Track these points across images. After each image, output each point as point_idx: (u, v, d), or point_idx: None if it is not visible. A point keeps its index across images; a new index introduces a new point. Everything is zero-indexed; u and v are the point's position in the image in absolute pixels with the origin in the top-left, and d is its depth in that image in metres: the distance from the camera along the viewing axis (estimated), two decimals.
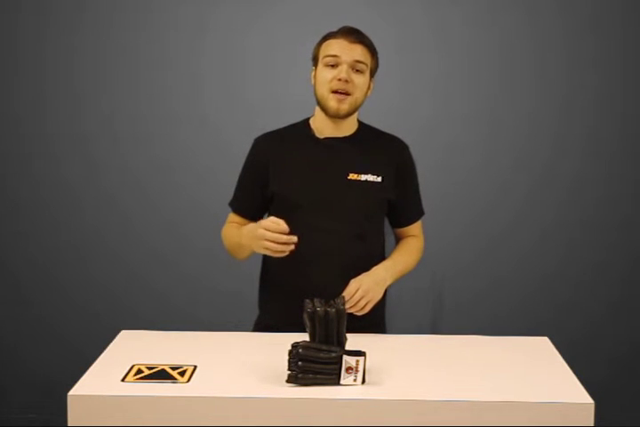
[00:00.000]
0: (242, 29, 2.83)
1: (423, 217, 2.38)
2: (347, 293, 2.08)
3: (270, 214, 2.31)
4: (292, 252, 2.03)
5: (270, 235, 1.99)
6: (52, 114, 2.87)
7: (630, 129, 2.87)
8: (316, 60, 2.22)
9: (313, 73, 2.23)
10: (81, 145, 2.89)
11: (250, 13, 2.82)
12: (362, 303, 2.09)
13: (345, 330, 1.71)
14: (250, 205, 2.32)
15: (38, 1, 2.82)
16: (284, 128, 2.34)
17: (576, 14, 2.81)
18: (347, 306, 2.05)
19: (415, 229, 2.37)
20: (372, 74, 2.24)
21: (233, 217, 2.36)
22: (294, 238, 1.99)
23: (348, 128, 2.26)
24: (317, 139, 2.26)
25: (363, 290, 2.09)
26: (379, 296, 2.14)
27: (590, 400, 1.63)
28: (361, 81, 2.17)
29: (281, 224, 1.99)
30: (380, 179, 2.22)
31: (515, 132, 2.86)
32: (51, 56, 2.85)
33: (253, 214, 2.34)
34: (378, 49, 2.27)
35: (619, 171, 2.88)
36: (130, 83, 2.86)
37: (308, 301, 1.74)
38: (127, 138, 2.88)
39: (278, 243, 1.99)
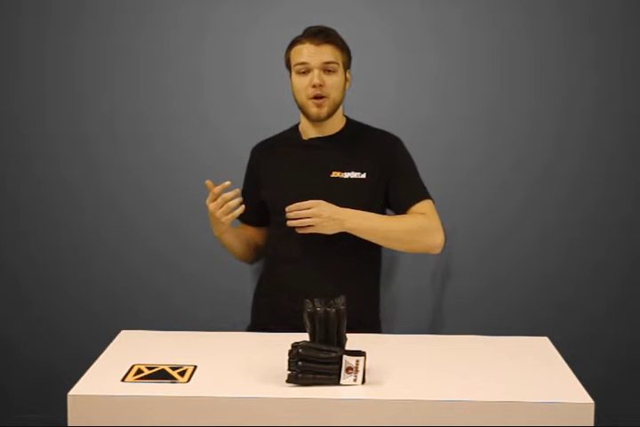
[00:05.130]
0: (242, 29, 2.82)
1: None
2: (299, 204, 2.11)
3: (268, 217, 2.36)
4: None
5: (216, 203, 2.12)
6: (52, 114, 2.87)
7: (630, 129, 2.87)
8: (288, 67, 2.25)
9: (290, 78, 2.27)
10: (81, 145, 2.89)
11: (250, 13, 2.82)
12: (303, 215, 2.10)
13: (345, 330, 1.71)
14: (251, 212, 2.35)
15: (38, 1, 2.82)
16: (276, 135, 2.38)
17: (576, 14, 2.81)
18: (290, 212, 2.10)
19: (420, 209, 2.26)
20: (348, 66, 2.26)
21: (241, 226, 2.42)
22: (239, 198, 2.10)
23: (331, 127, 2.28)
24: (303, 141, 2.29)
25: (312, 202, 2.10)
26: (323, 222, 2.11)
27: (590, 400, 1.63)
28: (335, 81, 2.19)
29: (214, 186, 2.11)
30: (364, 175, 2.23)
31: (515, 132, 2.86)
32: (51, 56, 2.85)
33: (256, 221, 2.38)
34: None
35: (619, 171, 2.88)
36: (130, 83, 2.86)
37: (307, 301, 1.74)
38: (127, 138, 2.88)
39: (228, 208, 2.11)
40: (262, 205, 2.34)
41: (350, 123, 2.33)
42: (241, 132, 2.77)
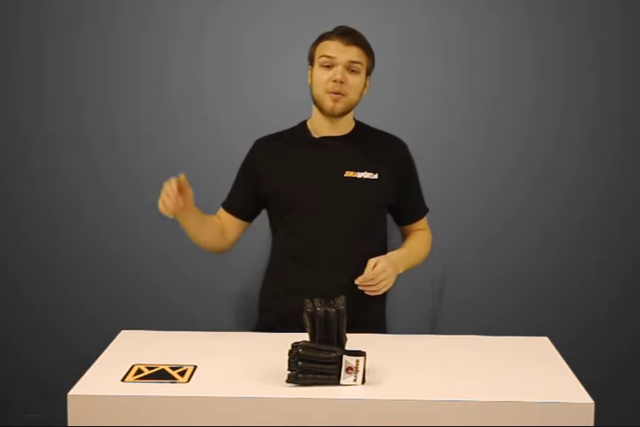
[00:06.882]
0: (242, 29, 2.83)
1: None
2: (365, 271, 2.10)
3: (271, 214, 2.33)
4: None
5: (167, 188, 2.07)
6: (52, 114, 2.87)
7: (630, 129, 2.87)
8: (311, 60, 2.24)
9: (309, 72, 2.25)
10: (81, 145, 2.89)
11: (250, 14, 2.82)
12: (379, 281, 2.10)
13: (345, 330, 1.71)
14: (238, 202, 2.33)
15: (38, 1, 2.82)
16: (283, 131, 2.36)
17: (576, 15, 2.81)
18: (362, 282, 2.09)
19: (422, 224, 2.41)
20: (369, 73, 2.26)
21: (220, 212, 2.36)
22: (180, 203, 2.07)
23: (344, 127, 2.28)
24: (314, 138, 2.28)
25: (380, 267, 2.10)
26: (392, 280, 2.15)
27: (590, 400, 1.63)
28: (356, 81, 2.20)
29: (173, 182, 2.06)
30: (376, 176, 2.24)
31: (515, 132, 2.86)
32: (51, 56, 2.85)
33: (240, 212, 2.33)
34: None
35: (619, 171, 2.88)
36: (130, 82, 2.86)
37: (307, 301, 1.74)
38: (127, 138, 2.88)
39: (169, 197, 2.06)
40: (253, 200, 2.31)
41: (359, 124, 2.34)
42: (241, 132, 2.77)
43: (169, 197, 2.07)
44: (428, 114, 2.85)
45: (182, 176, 2.09)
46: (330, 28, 2.30)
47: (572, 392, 1.68)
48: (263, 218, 2.35)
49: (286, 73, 2.83)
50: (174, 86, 2.85)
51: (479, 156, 2.87)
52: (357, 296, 2.11)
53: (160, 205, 2.09)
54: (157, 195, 2.88)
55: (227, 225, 2.34)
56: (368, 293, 2.13)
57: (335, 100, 2.18)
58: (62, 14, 2.83)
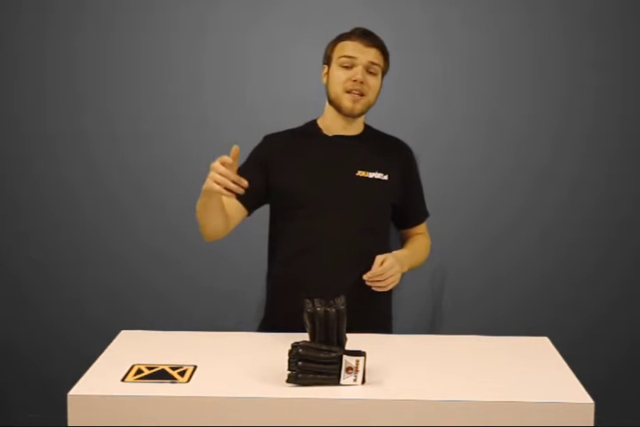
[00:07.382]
0: (242, 29, 2.83)
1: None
2: (373, 267, 2.13)
3: (278, 210, 2.30)
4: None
5: (223, 170, 1.89)
6: (52, 114, 2.87)
7: (630, 129, 2.87)
8: (328, 60, 2.24)
9: (324, 71, 2.25)
10: (81, 145, 2.89)
11: (250, 14, 2.82)
12: (387, 277, 2.13)
13: (345, 330, 1.71)
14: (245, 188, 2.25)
15: (39, 1, 2.82)
16: (292, 129, 2.36)
17: (576, 14, 2.81)
18: (370, 277, 2.12)
19: (422, 228, 2.43)
20: (383, 75, 2.28)
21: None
22: (244, 182, 1.91)
23: (356, 127, 2.29)
24: (326, 136, 2.28)
25: (389, 263, 2.13)
26: (399, 276, 2.18)
27: (590, 400, 1.63)
28: (374, 83, 2.21)
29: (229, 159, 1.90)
30: (386, 177, 2.26)
31: (515, 132, 2.86)
32: (51, 56, 2.85)
33: (246, 199, 2.22)
34: None
35: (619, 171, 2.88)
36: (130, 82, 2.86)
37: (307, 301, 1.74)
38: (127, 138, 2.88)
39: (228, 179, 1.89)
40: (260, 190, 2.25)
41: (368, 127, 2.35)
42: (241, 132, 2.77)
43: (226, 174, 1.87)
44: (428, 114, 2.85)
45: (236, 148, 1.91)
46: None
47: (572, 392, 1.68)
48: (262, 217, 2.35)
49: (286, 73, 2.83)
50: (174, 86, 2.85)
51: (479, 156, 2.87)
52: (363, 294, 2.12)
53: (211, 184, 1.89)
54: (157, 195, 2.91)
55: (229, 211, 2.25)
56: (375, 288, 2.15)
57: (355, 101, 2.19)
58: (62, 14, 2.83)
